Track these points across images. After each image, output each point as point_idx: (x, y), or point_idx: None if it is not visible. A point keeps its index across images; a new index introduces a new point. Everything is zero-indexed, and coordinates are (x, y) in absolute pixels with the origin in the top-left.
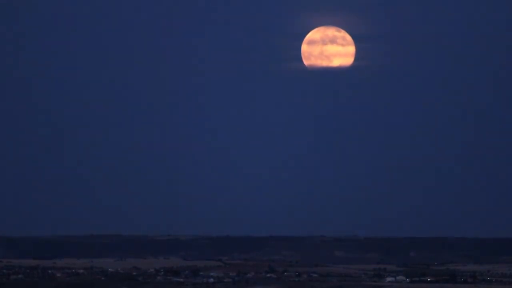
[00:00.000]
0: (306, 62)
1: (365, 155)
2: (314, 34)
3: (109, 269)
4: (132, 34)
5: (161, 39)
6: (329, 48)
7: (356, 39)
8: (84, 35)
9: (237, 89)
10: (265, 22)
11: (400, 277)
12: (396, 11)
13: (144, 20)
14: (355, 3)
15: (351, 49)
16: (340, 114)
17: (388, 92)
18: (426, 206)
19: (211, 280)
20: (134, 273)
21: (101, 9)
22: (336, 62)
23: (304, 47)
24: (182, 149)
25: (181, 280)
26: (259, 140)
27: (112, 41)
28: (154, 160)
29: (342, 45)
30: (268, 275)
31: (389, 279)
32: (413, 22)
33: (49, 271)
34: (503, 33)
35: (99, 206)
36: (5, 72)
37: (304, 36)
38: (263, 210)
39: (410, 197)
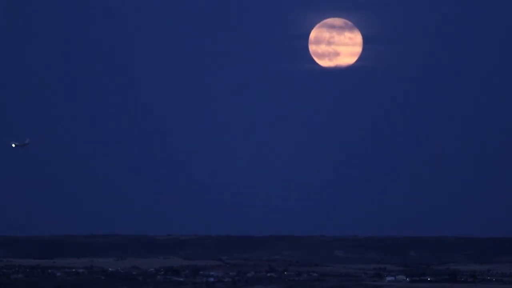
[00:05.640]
0: (312, 58)
1: (366, 156)
2: (321, 27)
3: (109, 269)
4: (133, 33)
5: (173, 40)
6: (336, 40)
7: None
8: (84, 35)
9: (236, 89)
10: (267, 22)
11: (400, 277)
12: (398, 12)
13: (153, 21)
14: (359, 4)
15: (357, 49)
16: (340, 114)
17: (388, 91)
18: (426, 206)
19: (211, 279)
20: (134, 273)
21: (101, 9)
22: (341, 59)
23: (311, 46)
24: (183, 149)
25: (181, 279)
26: (259, 140)
27: (112, 41)
28: (154, 160)
29: (350, 38)
30: (268, 274)
31: (389, 278)
32: (415, 23)
33: (49, 271)
34: (505, 34)
35: (99, 206)
36: (7, 70)
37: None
38: (263, 210)
39: (410, 197)
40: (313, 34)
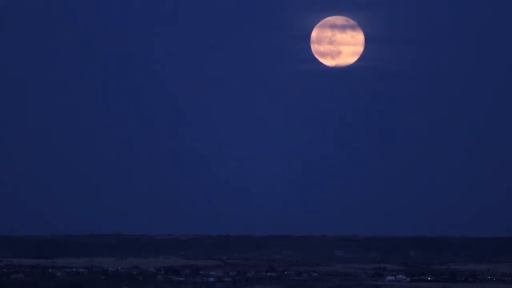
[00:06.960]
0: (314, 57)
1: (366, 155)
2: (323, 25)
3: (110, 268)
4: (134, 32)
5: (180, 40)
6: (338, 39)
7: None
8: (82, 33)
9: (237, 88)
10: (268, 21)
11: (400, 276)
12: (400, 11)
13: (155, 20)
14: (361, 3)
15: (359, 48)
16: (340, 114)
17: (389, 91)
18: (426, 206)
19: (211, 279)
20: (134, 273)
21: (100, 9)
22: (343, 58)
23: (313, 45)
24: (183, 149)
25: (181, 279)
26: (259, 140)
27: (111, 41)
28: (154, 159)
29: (352, 36)
30: (268, 274)
31: (389, 278)
32: (417, 23)
33: (49, 270)
34: (507, 34)
35: (99, 206)
36: (9, 69)
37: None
38: (263, 210)
39: (410, 197)
40: (314, 33)
